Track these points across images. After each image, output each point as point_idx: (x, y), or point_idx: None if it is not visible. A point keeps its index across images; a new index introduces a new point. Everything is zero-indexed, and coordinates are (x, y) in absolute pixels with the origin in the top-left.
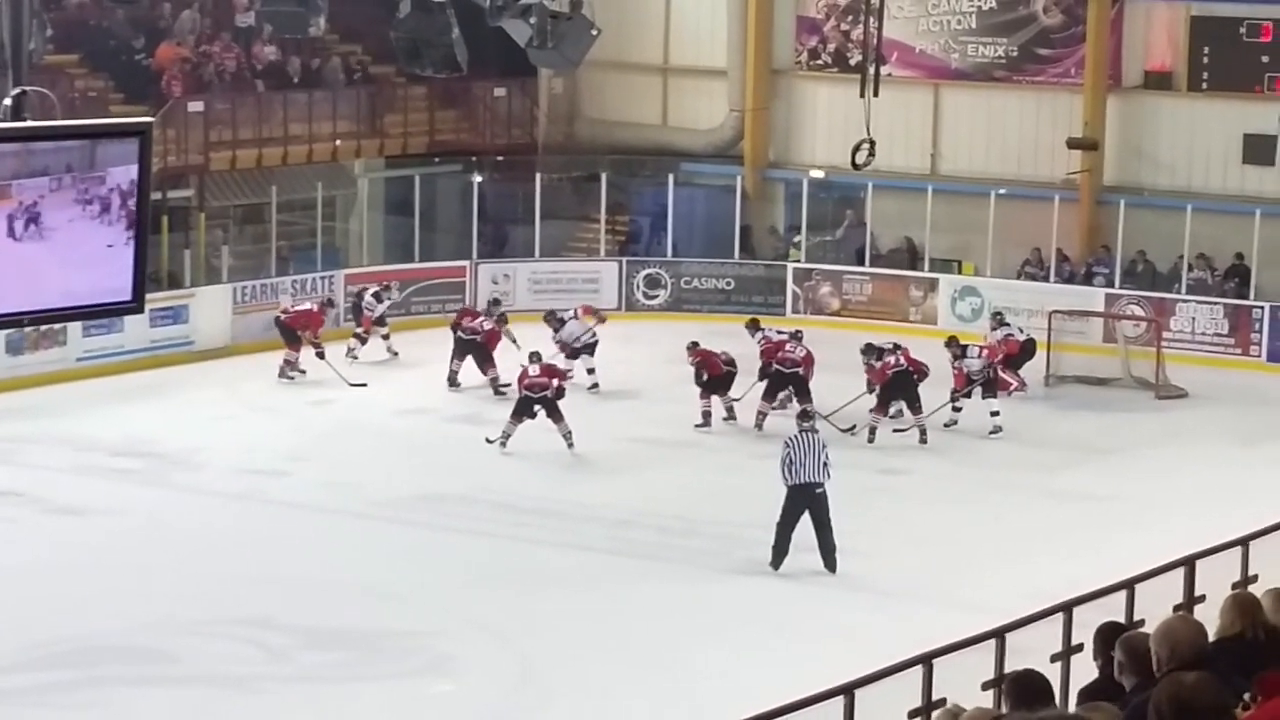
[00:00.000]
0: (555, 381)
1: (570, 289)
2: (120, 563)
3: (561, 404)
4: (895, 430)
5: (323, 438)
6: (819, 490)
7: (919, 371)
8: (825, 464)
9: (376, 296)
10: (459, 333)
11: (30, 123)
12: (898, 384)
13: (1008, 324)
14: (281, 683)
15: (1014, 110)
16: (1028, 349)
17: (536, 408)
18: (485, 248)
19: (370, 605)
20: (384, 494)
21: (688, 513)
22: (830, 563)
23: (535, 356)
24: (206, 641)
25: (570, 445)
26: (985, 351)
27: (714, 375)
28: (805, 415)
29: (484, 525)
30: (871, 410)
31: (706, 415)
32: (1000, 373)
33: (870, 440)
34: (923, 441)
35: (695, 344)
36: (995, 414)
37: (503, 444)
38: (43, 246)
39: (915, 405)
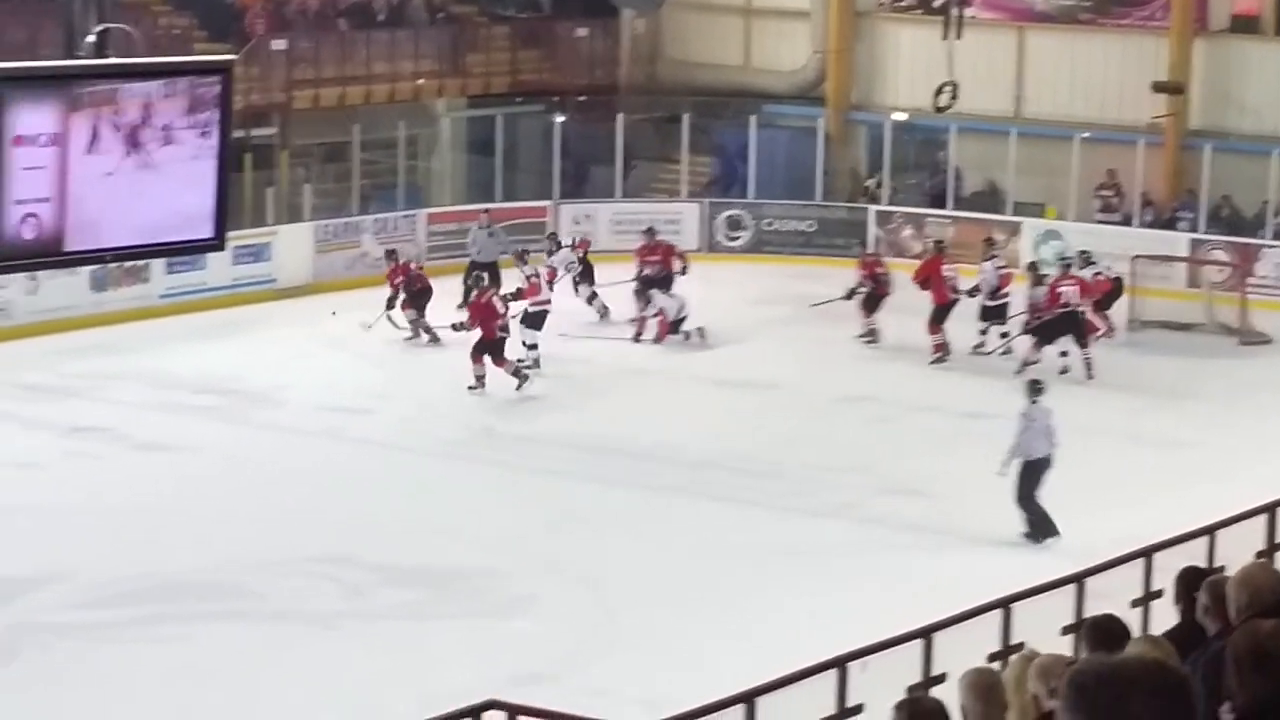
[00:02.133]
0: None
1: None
2: (201, 499)
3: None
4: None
5: (403, 376)
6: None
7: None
8: (1053, 432)
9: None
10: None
11: (113, 59)
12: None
13: (1094, 262)
14: (359, 620)
15: (1099, 53)
16: (1117, 288)
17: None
18: (566, 188)
19: (448, 544)
20: (463, 433)
21: (769, 455)
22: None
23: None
24: (286, 578)
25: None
26: (1077, 285)
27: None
28: (1035, 387)
29: (562, 465)
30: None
31: (872, 331)
32: (1089, 314)
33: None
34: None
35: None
36: (1064, 354)
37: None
38: (128, 181)
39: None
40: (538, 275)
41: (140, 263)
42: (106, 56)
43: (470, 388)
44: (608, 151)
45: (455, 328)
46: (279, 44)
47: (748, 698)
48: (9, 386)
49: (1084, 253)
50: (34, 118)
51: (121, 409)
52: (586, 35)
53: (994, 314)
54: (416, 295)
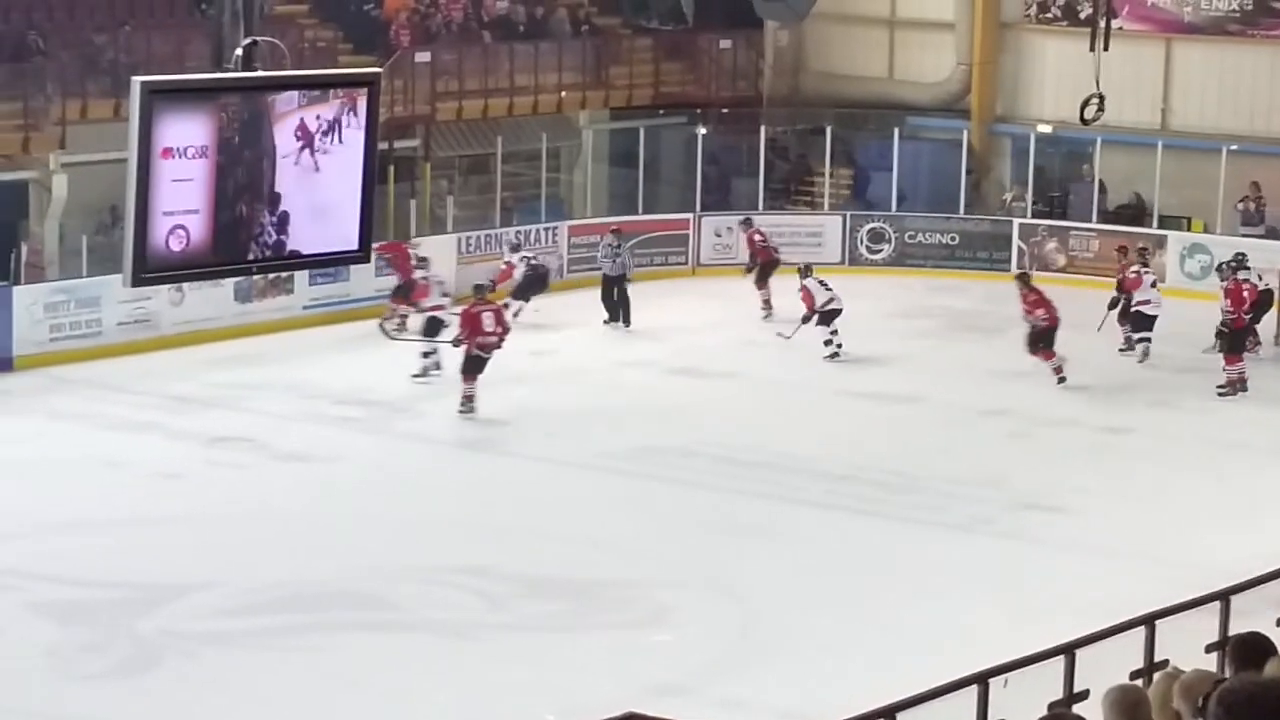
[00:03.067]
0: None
1: (794, 242)
2: (342, 509)
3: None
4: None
5: (544, 387)
6: None
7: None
8: None
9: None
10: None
11: (260, 73)
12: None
13: (1248, 268)
14: (500, 631)
15: (1248, 64)
16: (1266, 299)
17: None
18: (709, 199)
19: (588, 555)
20: (604, 444)
21: (906, 469)
22: None
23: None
24: (426, 589)
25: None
26: (1227, 296)
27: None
28: None
29: (702, 477)
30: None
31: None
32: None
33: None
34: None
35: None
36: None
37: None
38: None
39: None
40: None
41: (284, 274)
42: (254, 69)
43: (460, 410)
44: (751, 164)
45: (455, 343)
46: (423, 56)
47: (889, 713)
48: (154, 397)
49: (1239, 254)
50: (182, 130)
51: (264, 419)
52: (729, 47)
53: (1143, 322)
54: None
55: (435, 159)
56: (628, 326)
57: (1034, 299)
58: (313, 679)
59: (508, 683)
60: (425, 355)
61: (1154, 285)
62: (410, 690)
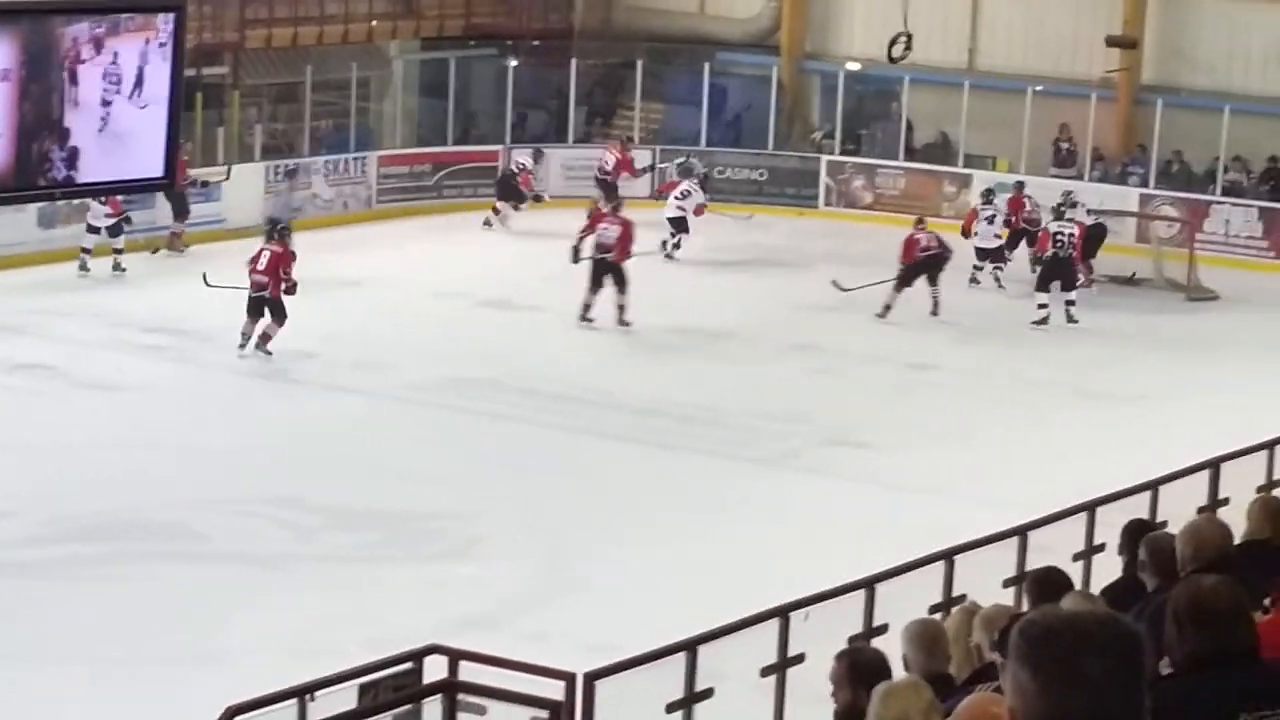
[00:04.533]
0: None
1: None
2: (147, 439)
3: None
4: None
5: (355, 319)
6: None
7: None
8: None
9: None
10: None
11: None
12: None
13: (1077, 204)
14: (309, 562)
15: (1053, 6)
16: (1097, 234)
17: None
18: (518, 133)
19: (397, 487)
20: (413, 377)
21: (714, 403)
22: None
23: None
24: (234, 519)
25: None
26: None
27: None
28: None
29: (510, 410)
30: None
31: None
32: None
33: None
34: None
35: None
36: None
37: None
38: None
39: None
40: None
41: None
42: None
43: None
44: (561, 96)
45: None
46: None
47: (690, 645)
48: None
49: (1068, 192)
50: None
51: (69, 346)
52: None
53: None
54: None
55: (244, 87)
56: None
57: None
58: (117, 610)
59: (315, 614)
60: None
61: (989, 220)
62: (216, 621)
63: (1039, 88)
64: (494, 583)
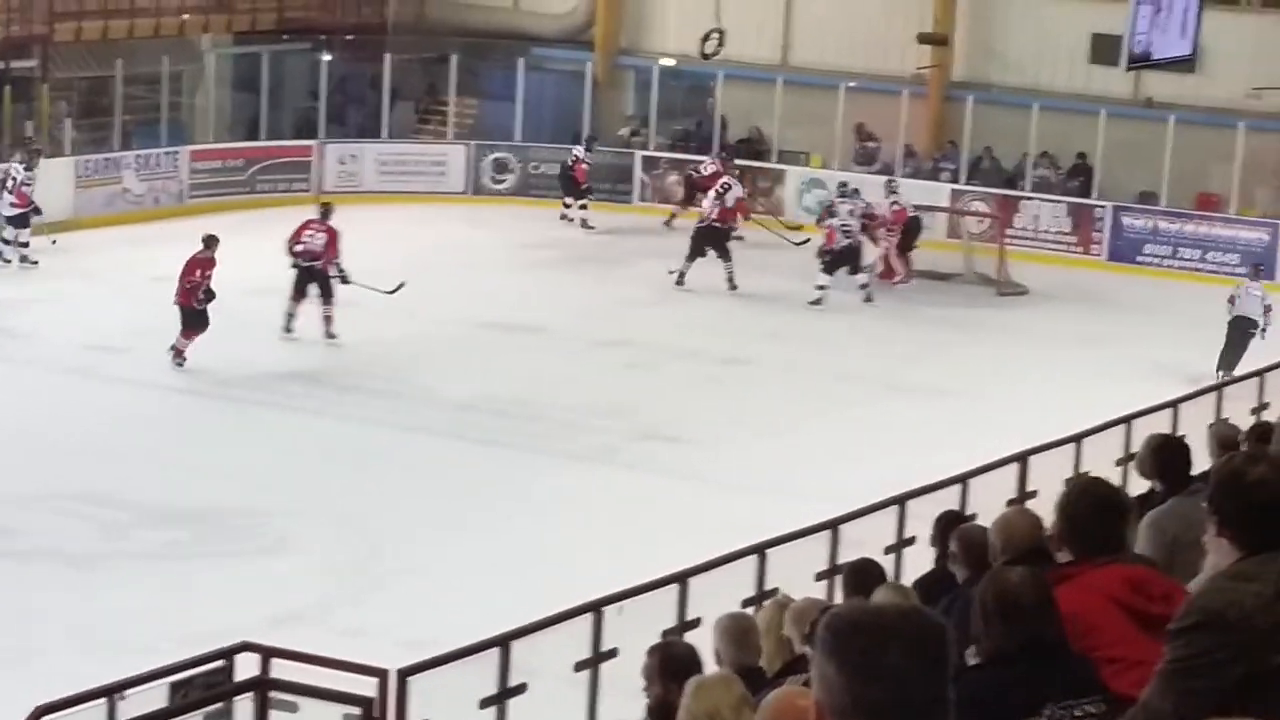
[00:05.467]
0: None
1: (418, 171)
2: None
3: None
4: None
5: (165, 314)
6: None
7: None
8: None
9: None
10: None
11: None
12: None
13: (897, 193)
14: (120, 559)
15: (866, 4)
16: (913, 226)
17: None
18: (332, 128)
19: (210, 483)
20: (227, 372)
21: (530, 398)
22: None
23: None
24: (43, 516)
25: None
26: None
27: None
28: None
29: (326, 406)
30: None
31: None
32: (892, 259)
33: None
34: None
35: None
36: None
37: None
38: None
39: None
40: None
41: None
42: None
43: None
44: (375, 91)
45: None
46: None
47: (504, 641)
48: None
49: (890, 181)
50: None
51: None
52: None
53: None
54: None
55: (54, 80)
56: None
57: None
58: None
59: (125, 611)
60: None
61: (850, 214)
62: (24, 619)
63: (851, 84)
64: (308, 579)
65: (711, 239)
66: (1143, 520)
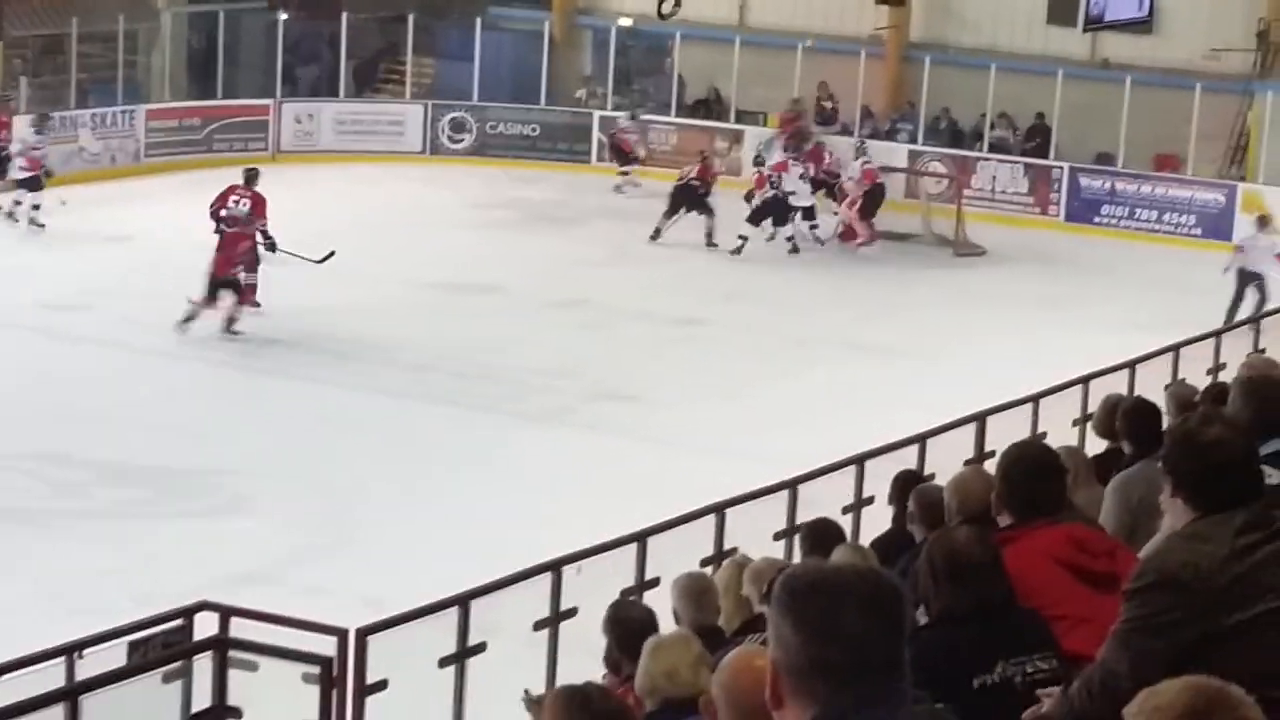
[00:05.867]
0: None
1: (374, 130)
2: None
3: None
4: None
5: (125, 274)
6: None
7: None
8: None
9: None
10: None
11: None
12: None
13: (867, 154)
14: (77, 518)
15: None
16: (878, 191)
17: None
18: (289, 87)
19: (170, 443)
20: (188, 332)
21: (485, 359)
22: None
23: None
24: (0, 475)
25: None
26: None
27: None
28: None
29: (285, 367)
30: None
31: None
32: (854, 221)
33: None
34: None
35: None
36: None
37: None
38: None
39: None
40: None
41: None
42: None
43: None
44: (332, 50)
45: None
46: None
47: (463, 600)
48: None
49: (861, 144)
50: None
51: None
52: None
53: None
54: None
55: (9, 38)
56: None
57: None
58: None
59: (83, 570)
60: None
61: (800, 177)
62: None
63: (809, 44)
64: (268, 539)
65: (688, 197)
66: (1109, 483)
